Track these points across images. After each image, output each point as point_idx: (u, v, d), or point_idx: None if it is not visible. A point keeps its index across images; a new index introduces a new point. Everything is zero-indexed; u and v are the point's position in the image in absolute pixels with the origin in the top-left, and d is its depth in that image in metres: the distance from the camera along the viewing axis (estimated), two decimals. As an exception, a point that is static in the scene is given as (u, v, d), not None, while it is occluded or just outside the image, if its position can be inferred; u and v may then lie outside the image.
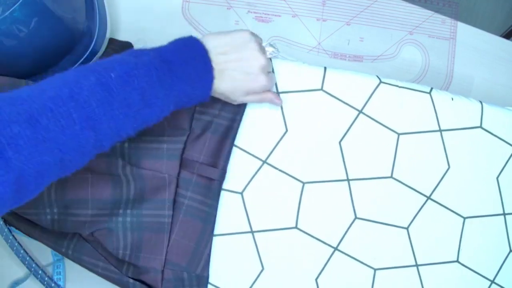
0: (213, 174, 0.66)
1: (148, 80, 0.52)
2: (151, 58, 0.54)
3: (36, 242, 0.69)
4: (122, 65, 0.52)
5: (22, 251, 0.63)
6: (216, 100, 0.65)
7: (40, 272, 0.64)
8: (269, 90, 0.65)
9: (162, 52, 0.56)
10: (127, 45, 0.80)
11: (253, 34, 0.63)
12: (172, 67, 0.55)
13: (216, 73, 0.59)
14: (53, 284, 0.64)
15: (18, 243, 0.63)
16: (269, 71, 0.65)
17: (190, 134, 0.66)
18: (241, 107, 0.68)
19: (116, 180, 0.65)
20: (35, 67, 0.68)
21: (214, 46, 0.60)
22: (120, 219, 0.65)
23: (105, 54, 0.75)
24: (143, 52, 0.55)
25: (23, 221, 0.67)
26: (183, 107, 0.59)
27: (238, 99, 0.63)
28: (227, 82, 0.60)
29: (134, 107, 0.51)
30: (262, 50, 0.63)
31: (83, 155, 0.49)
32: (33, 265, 0.64)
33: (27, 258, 0.64)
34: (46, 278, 0.64)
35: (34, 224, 0.66)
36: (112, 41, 0.78)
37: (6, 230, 0.63)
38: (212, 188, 0.67)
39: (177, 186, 0.66)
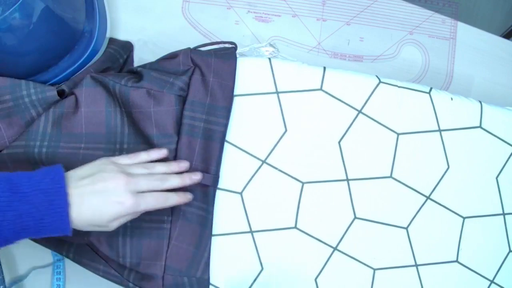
0: (206, 180, 0.66)
1: None
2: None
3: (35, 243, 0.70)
4: None
5: None
6: (202, 104, 0.65)
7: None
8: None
9: (13, 174, 0.53)
10: (127, 45, 0.80)
11: (111, 159, 0.60)
12: (14, 187, 0.52)
13: (74, 199, 0.54)
14: None
15: None
16: (148, 190, 0.59)
17: (178, 141, 0.66)
18: (228, 111, 0.67)
19: None
20: (35, 67, 0.68)
21: (73, 173, 0.56)
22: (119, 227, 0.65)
23: (106, 53, 0.75)
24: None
25: None
26: (37, 236, 0.54)
27: (110, 225, 0.57)
28: (87, 207, 0.54)
29: None
30: (125, 171, 0.58)
31: None
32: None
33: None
34: None
35: None
36: (112, 40, 0.78)
37: None
38: (207, 193, 0.67)
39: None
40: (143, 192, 0.58)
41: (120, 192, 0.56)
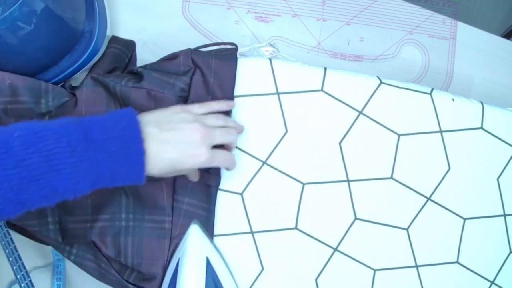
0: (208, 180, 0.66)
1: (55, 142, 0.47)
2: (67, 122, 0.49)
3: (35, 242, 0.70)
4: (30, 125, 0.48)
5: (15, 254, 0.62)
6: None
7: (26, 281, 0.62)
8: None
9: (85, 119, 0.51)
10: (131, 43, 0.79)
11: (184, 107, 0.59)
12: (89, 135, 0.49)
13: (150, 148, 0.53)
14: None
15: (15, 246, 0.62)
16: (227, 146, 0.60)
17: None
18: (228, 112, 0.67)
19: (114, 190, 0.65)
20: (35, 67, 0.68)
21: (147, 118, 0.55)
22: (121, 225, 0.65)
23: (111, 53, 0.75)
24: (65, 118, 0.51)
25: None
26: (111, 185, 0.52)
27: (180, 173, 0.58)
28: (163, 157, 0.54)
29: (36, 170, 0.46)
30: (201, 122, 0.58)
31: None
32: (22, 272, 0.62)
33: (19, 263, 0.63)
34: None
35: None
36: (115, 39, 0.78)
37: (5, 230, 0.62)
38: (208, 193, 0.67)
39: (174, 192, 0.66)
40: (215, 146, 0.58)
41: (197, 144, 0.55)
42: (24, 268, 0.60)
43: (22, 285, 0.59)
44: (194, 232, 0.64)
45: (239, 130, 0.65)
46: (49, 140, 0.47)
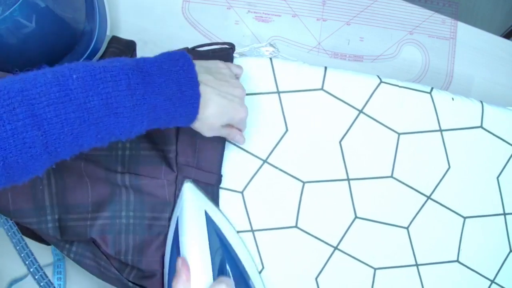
0: (210, 179, 0.66)
1: (115, 85, 0.47)
2: (125, 64, 0.49)
3: (36, 242, 0.70)
4: (88, 67, 0.47)
5: (26, 250, 0.62)
6: None
7: (40, 273, 0.63)
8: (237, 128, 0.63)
9: (140, 60, 0.51)
10: (131, 43, 0.80)
11: (226, 63, 0.63)
12: (147, 77, 0.50)
13: (204, 94, 0.55)
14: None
15: (25, 243, 0.62)
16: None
17: (178, 141, 0.66)
18: None
19: (115, 187, 0.65)
20: (35, 67, 0.68)
21: (199, 64, 0.57)
22: (121, 222, 0.65)
23: (109, 52, 0.75)
24: (120, 58, 0.51)
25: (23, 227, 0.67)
26: (164, 126, 0.54)
27: (213, 128, 0.59)
28: (214, 104, 0.56)
29: (96, 113, 0.46)
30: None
31: (32, 158, 0.44)
32: (35, 266, 0.63)
33: (30, 258, 0.63)
34: (45, 280, 0.62)
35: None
36: (116, 39, 0.78)
37: (14, 228, 0.62)
38: (209, 192, 0.67)
39: (175, 190, 0.66)
40: None
41: (241, 101, 0.60)
42: (37, 262, 0.61)
43: (36, 277, 0.60)
44: (188, 189, 0.64)
45: None
46: (108, 83, 0.47)
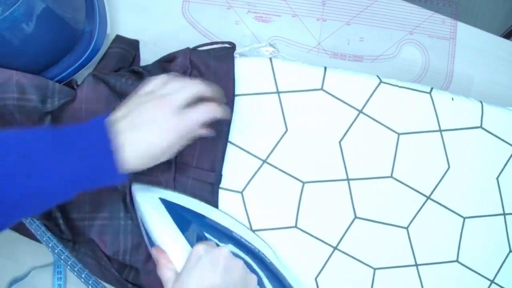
0: (209, 178, 0.66)
1: (30, 148, 0.49)
2: (42, 130, 0.52)
3: (36, 242, 0.70)
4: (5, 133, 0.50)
5: (48, 234, 0.62)
6: None
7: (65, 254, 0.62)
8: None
9: (58, 127, 0.52)
10: (135, 42, 0.80)
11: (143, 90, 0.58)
12: (62, 141, 0.50)
13: (124, 140, 0.52)
14: (76, 268, 0.63)
15: (57, 240, 0.63)
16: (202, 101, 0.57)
17: None
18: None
19: (112, 188, 0.65)
20: (35, 67, 0.68)
21: (115, 115, 0.54)
22: (120, 222, 0.65)
23: (117, 54, 0.76)
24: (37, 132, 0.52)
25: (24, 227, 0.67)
26: (94, 186, 0.53)
27: (165, 152, 0.55)
28: (136, 151, 0.53)
29: (8, 168, 0.48)
30: (161, 94, 0.56)
31: None
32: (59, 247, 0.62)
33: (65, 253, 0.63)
34: (71, 260, 0.62)
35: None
36: (119, 38, 0.79)
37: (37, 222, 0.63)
38: (208, 191, 0.67)
39: (173, 189, 0.66)
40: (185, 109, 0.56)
41: (168, 116, 0.54)
42: (64, 251, 0.62)
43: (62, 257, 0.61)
44: (136, 189, 0.64)
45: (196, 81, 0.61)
46: (27, 143, 0.49)
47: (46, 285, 0.73)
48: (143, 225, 0.62)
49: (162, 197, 0.63)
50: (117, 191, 0.66)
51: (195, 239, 0.61)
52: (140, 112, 0.54)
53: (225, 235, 0.63)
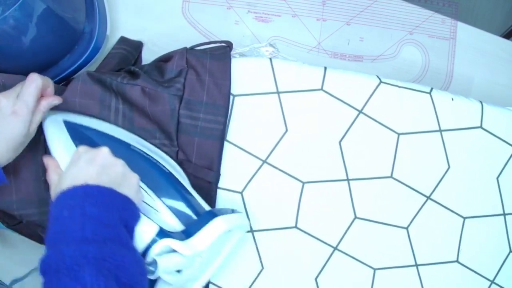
0: (208, 176, 0.66)
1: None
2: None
3: (36, 243, 0.70)
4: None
5: None
6: (199, 103, 0.66)
7: None
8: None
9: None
10: (139, 44, 0.80)
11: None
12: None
13: None
14: None
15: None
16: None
17: (177, 139, 0.67)
18: (225, 109, 0.67)
19: None
20: (35, 66, 0.68)
21: None
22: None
23: (120, 55, 0.76)
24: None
25: (24, 227, 0.67)
26: None
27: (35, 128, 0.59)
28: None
29: None
30: None
31: None
32: None
33: None
34: None
35: (34, 229, 0.66)
36: (124, 40, 0.79)
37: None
38: (207, 190, 0.67)
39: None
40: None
41: (8, 109, 0.56)
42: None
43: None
44: (45, 117, 0.64)
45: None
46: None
47: (46, 285, 0.73)
48: (46, 144, 0.63)
49: (66, 119, 0.64)
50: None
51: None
52: None
53: (123, 147, 0.64)
